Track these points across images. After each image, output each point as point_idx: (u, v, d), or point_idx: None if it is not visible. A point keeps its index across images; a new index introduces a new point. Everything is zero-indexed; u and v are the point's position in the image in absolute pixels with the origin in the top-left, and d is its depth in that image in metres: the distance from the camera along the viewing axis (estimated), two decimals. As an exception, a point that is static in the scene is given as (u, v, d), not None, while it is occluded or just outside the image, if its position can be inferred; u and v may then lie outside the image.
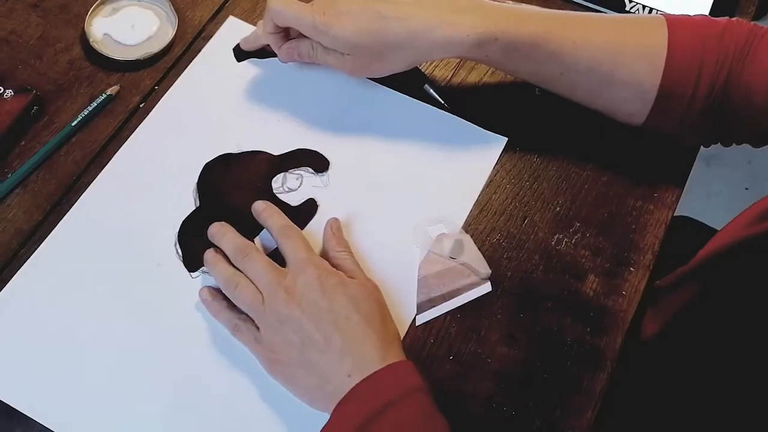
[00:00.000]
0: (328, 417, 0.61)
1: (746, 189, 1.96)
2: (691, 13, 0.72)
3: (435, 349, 0.69)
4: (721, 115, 0.69)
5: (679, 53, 0.67)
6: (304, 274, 0.64)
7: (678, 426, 0.69)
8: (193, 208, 0.74)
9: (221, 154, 0.76)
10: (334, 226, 0.71)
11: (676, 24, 0.69)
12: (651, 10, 0.87)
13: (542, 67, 0.71)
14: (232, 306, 0.67)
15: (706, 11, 0.88)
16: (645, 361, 0.79)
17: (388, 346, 0.62)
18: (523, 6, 0.72)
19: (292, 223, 0.69)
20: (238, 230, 0.71)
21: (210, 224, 0.71)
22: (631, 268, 0.73)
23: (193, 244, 0.72)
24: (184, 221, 0.73)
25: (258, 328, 0.65)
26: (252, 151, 0.77)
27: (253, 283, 0.65)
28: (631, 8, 0.87)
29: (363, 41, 0.69)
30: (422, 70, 0.82)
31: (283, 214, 0.70)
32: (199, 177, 0.75)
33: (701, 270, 0.78)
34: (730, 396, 0.67)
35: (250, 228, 0.72)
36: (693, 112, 0.69)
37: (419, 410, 0.59)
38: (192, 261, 0.71)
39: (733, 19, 0.70)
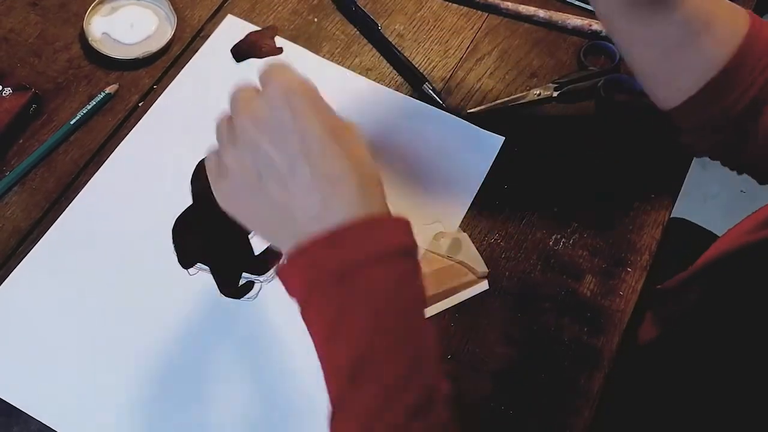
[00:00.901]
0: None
1: (742, 192, 1.96)
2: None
3: (433, 349, 0.69)
4: (743, 131, 0.67)
5: (750, 47, 0.66)
6: (271, 84, 0.50)
7: (676, 428, 0.69)
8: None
9: (215, 151, 0.77)
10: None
11: (757, 23, 0.68)
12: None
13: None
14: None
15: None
16: (642, 364, 0.80)
17: (368, 191, 0.50)
18: None
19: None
20: (230, 229, 0.70)
21: (203, 222, 0.71)
22: (628, 269, 0.73)
23: (187, 241, 0.72)
24: (177, 218, 0.73)
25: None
26: None
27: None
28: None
29: None
30: (420, 71, 0.82)
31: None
32: (193, 174, 0.75)
33: (702, 275, 0.78)
34: (729, 400, 0.67)
35: (243, 225, 0.72)
36: (729, 110, 0.66)
37: (396, 275, 0.48)
38: (186, 258, 0.71)
39: None
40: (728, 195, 1.96)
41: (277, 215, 0.50)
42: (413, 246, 0.50)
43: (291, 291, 0.50)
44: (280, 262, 0.50)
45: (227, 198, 0.54)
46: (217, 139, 0.54)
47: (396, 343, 0.48)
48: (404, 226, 0.50)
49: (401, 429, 0.46)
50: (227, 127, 0.52)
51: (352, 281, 0.47)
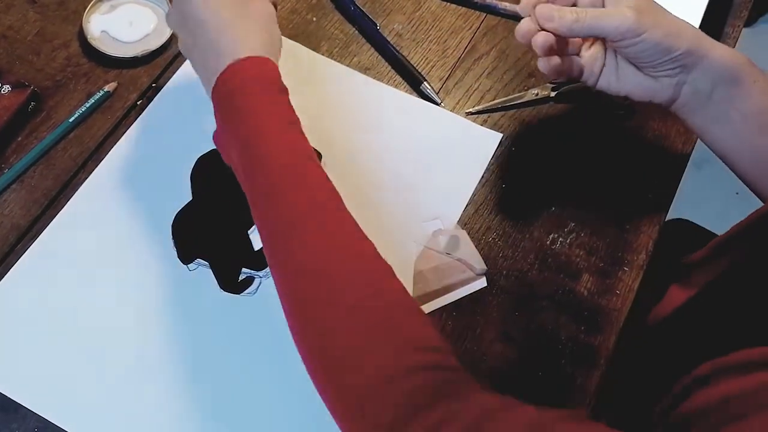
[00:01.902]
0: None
1: (737, 194, 1.97)
2: (685, 15, 0.72)
3: (431, 347, 0.69)
4: None
5: None
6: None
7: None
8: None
9: (213, 148, 0.77)
10: None
11: None
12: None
13: (751, 99, 0.66)
14: None
15: (700, 15, 0.89)
16: (653, 346, 0.79)
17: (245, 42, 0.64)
18: None
19: None
20: (229, 223, 0.72)
21: (202, 218, 0.71)
22: (625, 268, 0.74)
23: (186, 236, 0.72)
24: (177, 214, 0.74)
25: None
26: None
27: None
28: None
29: None
30: (419, 70, 0.82)
31: None
32: (192, 170, 0.76)
33: (735, 240, 0.77)
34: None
35: (242, 221, 0.73)
36: None
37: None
38: (186, 253, 0.72)
39: None
40: (723, 197, 1.96)
41: (198, 60, 0.67)
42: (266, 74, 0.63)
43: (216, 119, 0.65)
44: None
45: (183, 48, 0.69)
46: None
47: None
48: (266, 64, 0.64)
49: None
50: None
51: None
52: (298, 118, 0.63)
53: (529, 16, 0.67)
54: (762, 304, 0.69)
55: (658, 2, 0.68)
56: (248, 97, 0.61)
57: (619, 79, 0.69)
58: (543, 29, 0.65)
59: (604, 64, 0.69)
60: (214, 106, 0.64)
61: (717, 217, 1.17)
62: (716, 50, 0.65)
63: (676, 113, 0.70)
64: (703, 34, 0.66)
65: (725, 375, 0.56)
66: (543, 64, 0.67)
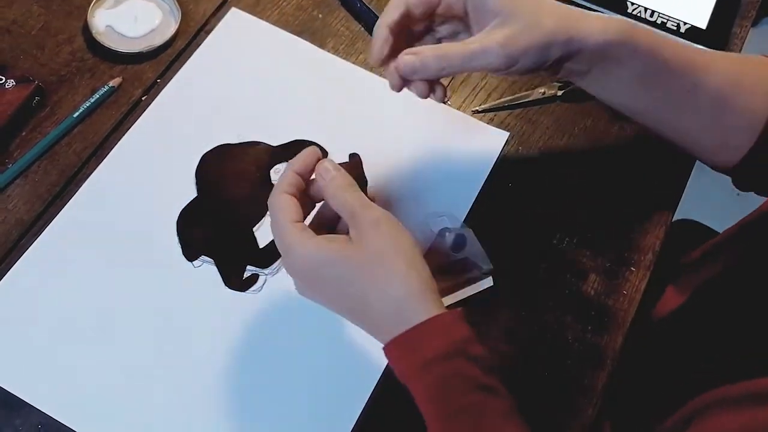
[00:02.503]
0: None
1: (738, 194, 1.97)
2: (693, 14, 0.72)
3: (437, 346, 0.69)
4: None
5: None
6: (294, 266, 0.60)
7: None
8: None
9: (219, 144, 0.76)
10: (311, 157, 0.62)
11: None
12: (653, 12, 0.88)
13: (677, 81, 0.67)
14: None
15: (707, 15, 0.88)
16: (660, 335, 0.79)
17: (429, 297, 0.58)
18: None
19: (274, 194, 0.61)
20: (235, 220, 0.72)
21: (208, 214, 0.71)
22: (632, 268, 0.74)
23: (191, 233, 0.72)
24: (182, 211, 0.73)
25: None
26: (250, 142, 0.77)
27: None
28: (633, 10, 0.88)
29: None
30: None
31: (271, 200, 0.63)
32: (197, 167, 0.76)
33: (730, 243, 0.77)
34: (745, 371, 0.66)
35: (247, 218, 0.73)
36: None
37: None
38: (191, 250, 0.71)
39: None
40: (723, 198, 1.96)
41: (367, 323, 0.60)
42: (461, 338, 0.57)
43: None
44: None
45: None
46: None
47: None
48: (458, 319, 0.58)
49: None
50: (301, 284, 0.62)
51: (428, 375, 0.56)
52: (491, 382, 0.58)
53: (390, 69, 0.64)
54: (752, 308, 0.70)
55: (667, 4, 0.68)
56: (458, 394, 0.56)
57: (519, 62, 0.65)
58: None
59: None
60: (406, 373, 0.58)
61: (717, 217, 1.17)
62: (591, 37, 0.62)
63: None
64: (574, 17, 0.63)
65: (725, 408, 0.56)
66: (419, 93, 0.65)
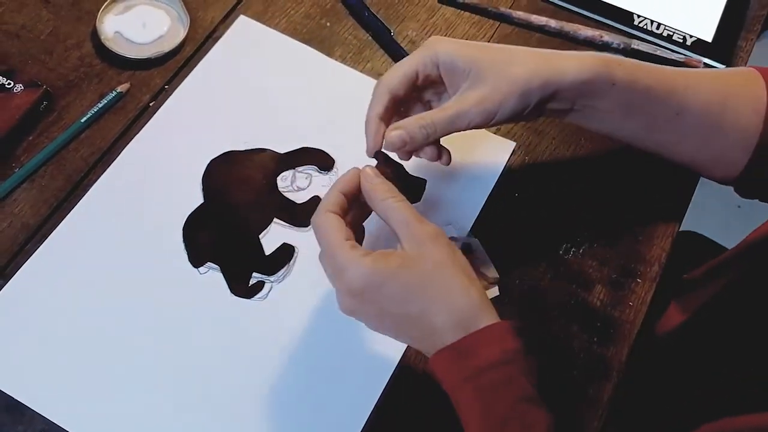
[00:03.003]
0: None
1: (738, 207, 1.98)
2: (699, 27, 0.73)
3: (442, 355, 0.69)
4: None
5: None
6: (340, 294, 0.60)
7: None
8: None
9: (226, 151, 0.76)
10: (369, 174, 0.63)
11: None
12: (659, 25, 0.88)
13: (661, 106, 0.68)
14: None
15: (713, 28, 0.89)
16: (662, 353, 0.79)
17: (485, 307, 0.59)
18: None
19: (320, 210, 0.61)
20: (242, 226, 0.72)
21: (214, 220, 0.71)
22: (638, 280, 0.73)
23: (198, 239, 0.72)
24: (188, 217, 0.73)
25: None
26: (256, 149, 0.77)
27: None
28: (639, 23, 0.88)
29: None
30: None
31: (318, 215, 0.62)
32: (204, 174, 0.76)
33: (732, 262, 0.78)
34: (753, 388, 0.66)
35: (253, 224, 0.72)
36: None
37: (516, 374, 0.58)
38: (197, 256, 0.71)
39: None
40: (725, 210, 1.96)
41: (417, 336, 0.60)
42: (514, 349, 0.58)
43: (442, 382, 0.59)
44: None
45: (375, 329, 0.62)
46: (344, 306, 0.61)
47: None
48: (508, 330, 0.59)
49: None
50: (354, 302, 0.60)
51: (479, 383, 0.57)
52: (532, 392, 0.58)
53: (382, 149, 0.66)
54: (756, 328, 0.70)
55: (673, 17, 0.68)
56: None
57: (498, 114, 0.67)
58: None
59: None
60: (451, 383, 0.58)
61: (718, 229, 1.18)
62: (567, 76, 0.64)
63: None
64: (547, 60, 0.65)
65: None
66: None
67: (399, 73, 0.66)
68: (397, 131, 0.65)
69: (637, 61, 0.68)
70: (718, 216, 1.94)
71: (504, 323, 0.58)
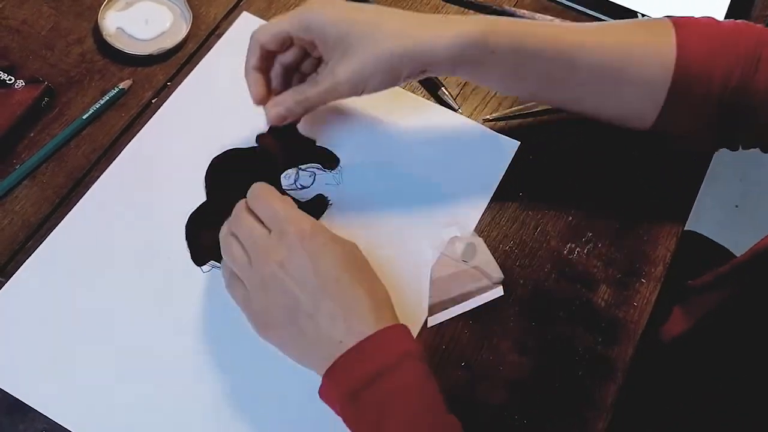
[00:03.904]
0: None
1: (736, 206, 1.98)
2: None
3: (447, 356, 0.68)
4: (731, 118, 0.69)
5: (690, 52, 0.67)
6: (286, 236, 0.60)
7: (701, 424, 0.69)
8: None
9: (229, 148, 0.76)
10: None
11: (683, 25, 0.69)
12: (664, 23, 0.88)
13: (551, 66, 0.68)
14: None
15: (723, 13, 0.88)
16: (666, 361, 0.79)
17: (380, 307, 0.60)
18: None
19: (267, 185, 0.65)
20: None
21: (217, 218, 0.70)
22: (643, 280, 0.73)
23: (200, 238, 0.71)
24: (191, 215, 0.73)
25: None
26: (260, 146, 0.76)
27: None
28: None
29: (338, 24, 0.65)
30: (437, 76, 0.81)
31: (262, 184, 0.66)
32: (207, 171, 0.75)
33: (739, 271, 0.77)
34: (756, 398, 0.66)
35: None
36: (703, 113, 0.69)
37: (412, 378, 0.58)
38: (200, 255, 0.71)
39: (740, 21, 0.70)
40: (722, 209, 1.97)
41: (306, 342, 0.60)
42: (414, 348, 0.60)
43: (333, 405, 0.60)
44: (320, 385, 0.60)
45: (262, 328, 0.63)
46: (241, 275, 0.63)
47: None
48: (405, 332, 0.61)
49: None
50: (252, 273, 0.61)
51: (375, 389, 0.56)
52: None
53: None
54: (759, 339, 0.70)
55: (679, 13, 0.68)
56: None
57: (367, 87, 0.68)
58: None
59: None
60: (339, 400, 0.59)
61: (716, 229, 1.18)
62: (437, 53, 0.64)
63: None
64: (419, 32, 0.65)
65: None
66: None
67: (270, 32, 0.68)
68: (275, 109, 0.69)
69: (531, 22, 0.69)
70: (715, 215, 1.95)
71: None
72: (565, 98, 0.72)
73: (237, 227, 0.64)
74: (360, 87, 0.66)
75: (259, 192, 0.64)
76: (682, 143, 0.75)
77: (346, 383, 0.57)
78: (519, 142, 0.79)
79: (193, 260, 0.70)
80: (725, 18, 0.89)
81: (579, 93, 0.71)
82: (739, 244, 1.07)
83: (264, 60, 0.69)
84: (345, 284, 0.60)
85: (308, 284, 0.59)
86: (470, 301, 0.70)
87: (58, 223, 0.71)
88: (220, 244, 0.65)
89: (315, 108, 0.69)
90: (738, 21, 0.70)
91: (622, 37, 0.69)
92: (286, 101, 0.68)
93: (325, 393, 0.60)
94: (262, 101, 0.70)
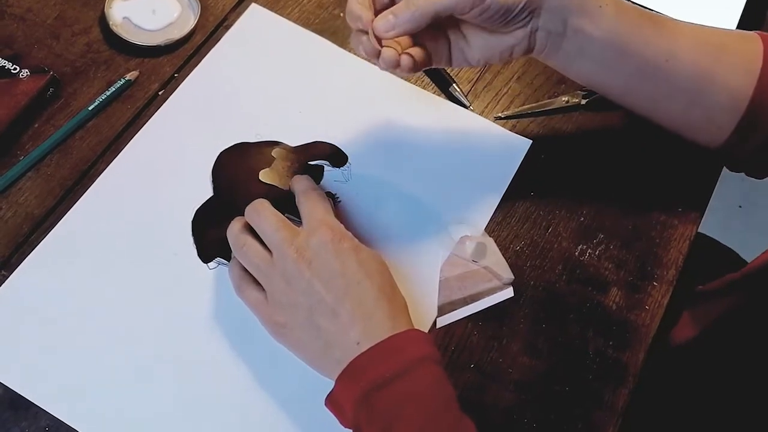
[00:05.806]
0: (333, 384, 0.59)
1: (740, 207, 1.97)
2: (718, 24, 0.71)
3: (456, 357, 0.67)
4: None
5: None
6: (317, 235, 0.61)
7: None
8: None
9: (236, 143, 0.75)
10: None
11: None
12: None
13: (650, 47, 0.65)
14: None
15: (734, 25, 0.87)
16: (676, 366, 0.78)
17: (398, 315, 0.61)
18: None
19: (317, 186, 0.68)
20: None
21: (224, 214, 0.69)
22: (655, 283, 0.72)
23: (207, 234, 0.70)
24: (197, 211, 0.71)
25: (264, 290, 0.63)
26: (268, 141, 0.75)
27: (264, 243, 0.63)
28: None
29: None
30: (448, 72, 0.80)
31: (310, 179, 0.69)
32: (214, 166, 0.74)
33: (752, 278, 0.77)
34: (761, 408, 0.66)
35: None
36: None
37: (429, 382, 0.58)
38: (206, 251, 0.70)
39: None
40: (725, 210, 1.96)
41: (322, 343, 0.60)
42: (432, 352, 0.59)
43: (342, 410, 0.59)
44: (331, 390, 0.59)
45: (278, 328, 0.63)
46: (259, 273, 0.63)
47: None
48: (424, 337, 0.61)
49: None
50: (273, 270, 0.61)
51: (391, 391, 0.56)
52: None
53: (365, 38, 0.62)
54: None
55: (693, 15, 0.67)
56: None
57: (472, 49, 0.66)
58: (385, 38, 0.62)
59: (449, 41, 0.66)
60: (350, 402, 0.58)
61: (719, 230, 1.17)
62: None
63: (537, 59, 0.69)
64: None
65: None
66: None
67: None
68: (382, 18, 0.60)
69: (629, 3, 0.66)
70: (719, 215, 1.94)
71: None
72: (655, 93, 0.69)
73: (259, 223, 0.63)
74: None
75: (302, 186, 0.67)
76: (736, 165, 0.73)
77: (362, 385, 0.56)
78: (531, 141, 0.78)
79: (199, 257, 0.69)
80: (740, 19, 0.88)
81: (670, 89, 0.68)
82: (742, 245, 1.07)
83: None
84: (366, 288, 0.60)
85: (333, 284, 0.60)
86: (480, 302, 0.70)
87: (62, 216, 0.70)
88: (233, 241, 0.64)
89: (421, 21, 0.60)
90: None
91: (715, 37, 0.68)
92: (396, 8, 0.61)
93: (336, 397, 0.59)
94: (366, 24, 0.62)
